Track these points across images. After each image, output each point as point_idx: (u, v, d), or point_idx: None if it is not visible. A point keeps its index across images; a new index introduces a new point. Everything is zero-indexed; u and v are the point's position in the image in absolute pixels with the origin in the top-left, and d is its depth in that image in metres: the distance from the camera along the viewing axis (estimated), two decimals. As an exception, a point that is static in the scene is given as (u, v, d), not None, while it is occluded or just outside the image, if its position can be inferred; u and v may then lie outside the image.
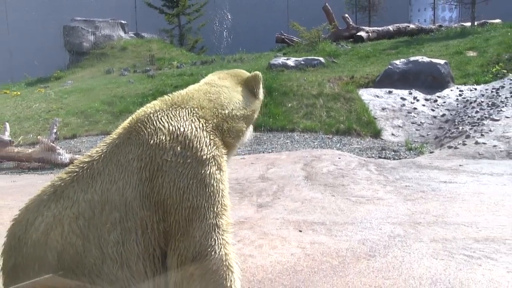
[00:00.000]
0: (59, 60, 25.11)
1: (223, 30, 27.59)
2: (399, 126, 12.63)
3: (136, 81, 17.41)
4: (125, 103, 14.81)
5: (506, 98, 12.41)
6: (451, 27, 23.61)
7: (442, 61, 14.97)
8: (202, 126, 2.89)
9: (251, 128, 3.48)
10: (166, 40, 27.93)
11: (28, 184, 8.88)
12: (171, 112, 2.90)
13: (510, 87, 13.19)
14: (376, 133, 12.26)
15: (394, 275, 4.16)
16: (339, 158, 9.34)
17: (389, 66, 15.11)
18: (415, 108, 13.32)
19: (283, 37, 24.02)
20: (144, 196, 2.62)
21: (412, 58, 15.28)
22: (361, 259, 4.56)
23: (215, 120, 3.00)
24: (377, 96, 13.99)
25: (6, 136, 11.04)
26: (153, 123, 2.80)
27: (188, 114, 2.92)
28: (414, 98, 13.81)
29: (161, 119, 2.83)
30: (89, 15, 26.28)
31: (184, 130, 2.78)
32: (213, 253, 2.63)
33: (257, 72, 3.43)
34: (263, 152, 10.66)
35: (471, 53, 17.27)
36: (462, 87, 14.36)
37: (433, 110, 13.25)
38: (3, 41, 32.45)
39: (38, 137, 10.67)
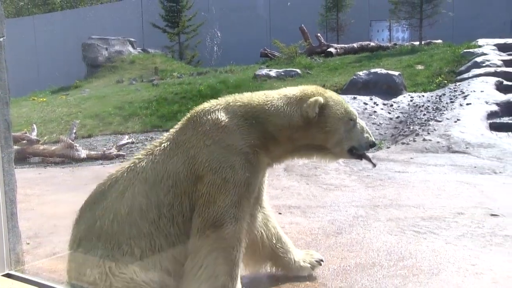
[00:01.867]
0: (78, 71, 25.25)
1: (214, 46, 27.77)
2: (362, 126, 12.66)
3: (142, 89, 17.40)
4: (133, 107, 14.84)
5: (446, 103, 12.51)
6: (403, 45, 23.66)
7: (396, 73, 15.03)
8: (243, 123, 2.86)
9: (336, 149, 3.06)
10: (168, 54, 27.94)
11: (51, 176, 8.87)
12: (222, 109, 2.91)
13: (450, 95, 13.29)
14: (343, 131, 12.26)
15: (357, 249, 4.22)
16: (313, 152, 9.39)
17: (354, 77, 15.13)
18: (375, 111, 13.37)
19: (266, 52, 24.01)
20: (188, 170, 2.74)
21: (372, 70, 15.32)
22: (330, 236, 4.62)
23: (255, 122, 2.90)
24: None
25: (34, 136, 11.10)
26: (205, 115, 2.88)
27: (234, 110, 2.91)
28: (374, 103, 13.85)
29: (212, 112, 2.89)
30: (104, 34, 26.34)
31: (224, 124, 2.82)
32: (229, 224, 2.71)
33: (319, 98, 2.91)
34: (252, 148, 10.65)
35: (420, 67, 17.35)
36: (413, 94, 14.42)
37: (389, 113, 13.30)
38: (32, 55, 32.51)
39: (60, 136, 10.71)
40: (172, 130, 3.02)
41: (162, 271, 2.68)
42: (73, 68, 26.30)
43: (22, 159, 10.45)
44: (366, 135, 3.11)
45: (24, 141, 10.75)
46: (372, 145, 3.14)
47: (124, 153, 10.56)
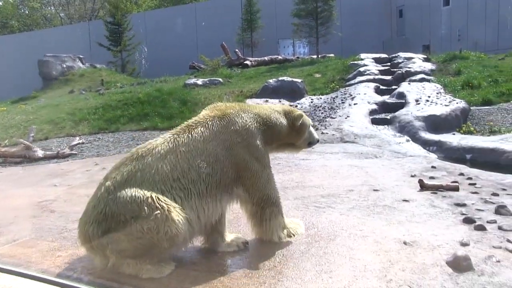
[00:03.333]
0: (35, 84, 24.27)
1: (142, 60, 29.77)
2: (273, 123, 12.79)
3: (90, 98, 16.76)
4: (83, 113, 14.30)
5: (338, 103, 12.89)
6: (304, 58, 24.11)
7: (299, 80, 15.32)
8: (259, 126, 3.42)
9: (294, 150, 4.00)
10: (112, 68, 27.28)
11: (11, 174, 8.41)
12: (245, 111, 3.42)
13: (341, 97, 13.70)
14: (259, 128, 12.34)
15: (271, 222, 4.21)
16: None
17: (266, 83, 15.25)
18: (283, 111, 13.54)
19: (194, 65, 23.70)
20: (226, 155, 3.18)
21: (280, 78, 15.50)
22: (250, 213, 4.60)
23: (264, 126, 3.46)
24: (258, 104, 14.10)
25: (-5, 140, 10.52)
26: (235, 117, 3.31)
27: (253, 117, 3.42)
28: (282, 104, 14.02)
29: (238, 113, 3.36)
30: (57, 52, 25.36)
31: (249, 126, 3.33)
32: (271, 195, 3.44)
33: (300, 113, 3.76)
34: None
35: (317, 75, 17.75)
36: (313, 97, 14.74)
37: (294, 112, 13.53)
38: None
39: (19, 139, 10.18)
40: (200, 117, 3.30)
41: (193, 216, 3.00)
42: (30, 81, 25.61)
43: (-14, 160, 9.86)
44: (315, 134, 3.96)
45: (-14, 145, 10.13)
46: (318, 140, 4.06)
47: (76, 152, 10.19)
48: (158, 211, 2.77)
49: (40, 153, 9.97)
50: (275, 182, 3.56)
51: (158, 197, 2.83)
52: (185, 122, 3.32)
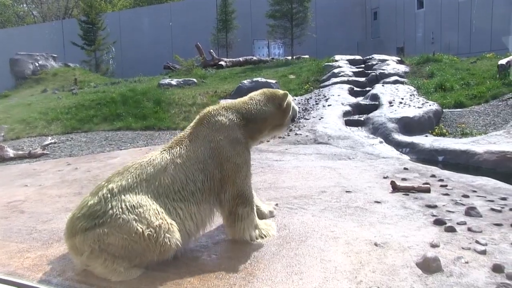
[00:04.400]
0: (7, 83, 23.45)
1: (110, 60, 29.52)
2: (247, 124, 12.77)
3: (63, 97, 16.35)
4: (55, 113, 13.92)
5: (312, 105, 12.96)
6: (279, 59, 24.26)
7: (273, 81, 15.36)
8: (239, 122, 3.51)
9: (279, 130, 4.08)
10: (86, 68, 26.80)
11: (-19, 174, 8.10)
12: (224, 111, 3.52)
13: (315, 98, 13.77)
14: (232, 129, 12.30)
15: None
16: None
17: (240, 84, 15.22)
18: (257, 112, 13.53)
19: (168, 65, 23.50)
20: (212, 158, 3.32)
21: (254, 79, 15.51)
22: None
23: (245, 121, 3.56)
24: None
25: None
26: (214, 117, 3.46)
27: (233, 113, 3.53)
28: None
29: (217, 113, 3.49)
30: (29, 50, 24.62)
31: (230, 124, 3.45)
32: (246, 193, 3.50)
33: (285, 92, 3.86)
34: (155, 145, 10.32)
35: (292, 76, 17.82)
36: (287, 98, 14.77)
37: (268, 113, 13.54)
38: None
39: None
40: (189, 128, 3.51)
41: (192, 225, 3.19)
42: (2, 80, 24.60)
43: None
44: (296, 106, 4.07)
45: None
46: (298, 111, 4.22)
47: (48, 152, 9.97)
48: (162, 221, 2.93)
49: (11, 153, 9.71)
50: (251, 182, 3.69)
51: (162, 212, 3.00)
52: (179, 134, 3.56)
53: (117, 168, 7.43)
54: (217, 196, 3.39)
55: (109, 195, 2.95)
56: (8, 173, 7.96)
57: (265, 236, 3.69)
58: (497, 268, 2.89)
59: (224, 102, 3.75)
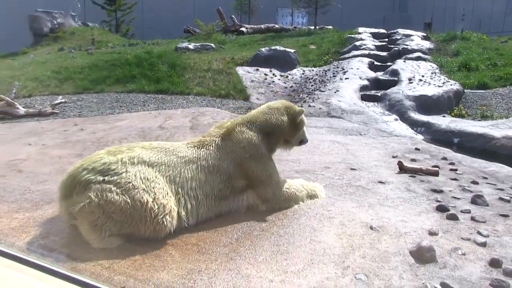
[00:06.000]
0: (26, 40, 23.26)
1: (140, 23, 28.77)
2: (262, 93, 12.56)
3: (78, 57, 16.23)
4: (68, 72, 13.82)
5: (330, 77, 12.64)
6: (302, 29, 23.70)
7: (292, 50, 15.00)
8: (262, 137, 3.63)
9: (286, 146, 4.12)
10: (105, 28, 26.59)
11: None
12: (247, 126, 3.62)
13: (333, 70, 13.45)
14: (246, 98, 12.12)
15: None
16: (217, 114, 9.13)
17: (257, 52, 14.92)
18: (273, 81, 13.30)
19: (189, 29, 23.21)
20: (237, 172, 3.43)
21: (273, 47, 15.18)
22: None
23: (267, 132, 3.69)
24: (249, 72, 13.81)
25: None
26: (240, 133, 3.54)
27: (256, 128, 3.63)
28: (273, 74, 13.77)
29: (243, 130, 3.57)
30: (49, 8, 24.36)
31: (254, 140, 3.55)
32: (281, 197, 3.69)
33: (302, 109, 3.96)
34: (165, 109, 10.19)
35: (312, 46, 17.42)
36: (305, 68, 14.48)
37: (285, 83, 13.28)
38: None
39: (1, 96, 9.86)
40: (215, 134, 3.57)
41: (192, 221, 3.18)
42: (21, 36, 24.44)
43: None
44: (307, 134, 4.19)
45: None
46: (307, 140, 4.25)
47: (58, 111, 9.94)
48: (168, 203, 2.95)
49: (22, 110, 9.72)
50: (280, 181, 3.78)
51: (171, 196, 3.04)
52: (199, 137, 3.62)
53: (122, 131, 7.41)
54: (236, 205, 3.53)
55: (127, 161, 3.00)
56: (16, 130, 7.95)
57: (315, 197, 3.94)
58: (495, 263, 2.70)
59: (247, 116, 3.82)
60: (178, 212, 3.05)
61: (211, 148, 3.42)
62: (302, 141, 4.14)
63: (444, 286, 2.45)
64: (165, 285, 2.43)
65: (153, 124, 8.10)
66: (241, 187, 3.51)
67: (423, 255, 2.75)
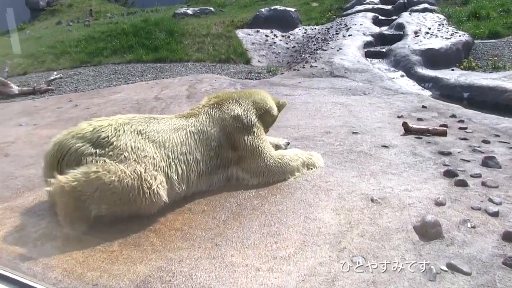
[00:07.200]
0: (24, 15, 22.63)
1: None
2: (263, 55, 12.11)
3: (74, 30, 15.82)
4: (64, 46, 13.45)
5: (332, 34, 12.10)
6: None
7: (293, 9, 14.40)
8: (256, 112, 3.63)
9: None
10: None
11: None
12: (242, 100, 3.62)
13: (336, 27, 12.88)
14: (247, 61, 11.69)
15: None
16: (215, 80, 8.75)
17: (257, 13, 14.33)
18: (274, 42, 12.81)
19: (189, -7, 22.50)
20: (228, 140, 3.37)
21: (273, 7, 14.58)
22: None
23: (259, 111, 3.69)
24: (249, 34, 13.29)
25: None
26: (232, 104, 3.53)
27: (248, 104, 3.62)
28: (274, 35, 13.25)
29: (235, 101, 3.57)
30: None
31: (246, 111, 3.54)
32: (273, 170, 3.46)
33: (285, 101, 4.23)
34: (163, 78, 9.82)
35: (314, 4, 16.74)
36: (307, 27, 13.92)
37: (286, 44, 12.79)
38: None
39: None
40: (203, 103, 3.57)
41: (183, 190, 3.09)
42: (17, 12, 23.75)
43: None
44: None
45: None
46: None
47: (53, 88, 9.62)
48: (158, 172, 2.88)
49: (15, 89, 9.42)
50: (273, 153, 3.59)
51: (161, 167, 2.94)
52: (188, 110, 3.60)
53: (117, 104, 7.12)
54: (225, 175, 3.43)
55: (118, 127, 2.93)
56: (8, 111, 7.68)
57: (313, 167, 3.71)
58: (509, 236, 2.42)
59: (240, 92, 3.88)
60: (169, 177, 2.96)
61: (200, 116, 3.38)
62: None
63: (450, 268, 2.17)
64: (141, 280, 2.19)
65: (149, 95, 7.78)
66: (231, 159, 3.42)
67: (427, 231, 2.47)
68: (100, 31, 14.36)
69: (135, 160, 2.77)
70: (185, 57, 11.93)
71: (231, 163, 3.42)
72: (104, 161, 2.68)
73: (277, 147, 4.09)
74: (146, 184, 2.72)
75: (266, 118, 3.81)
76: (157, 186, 2.78)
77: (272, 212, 2.90)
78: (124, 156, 2.75)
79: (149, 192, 2.73)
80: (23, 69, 12.02)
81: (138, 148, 2.85)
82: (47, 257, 2.44)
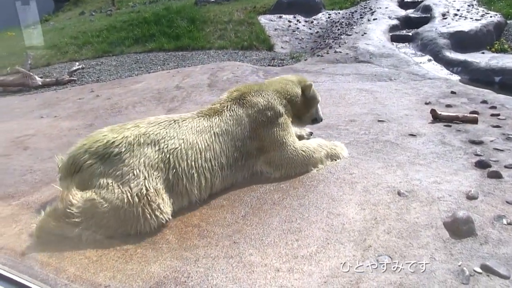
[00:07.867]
0: (48, 6, 22.74)
1: None
2: (286, 41, 11.88)
3: (96, 20, 15.80)
4: (86, 36, 13.43)
5: (357, 19, 11.78)
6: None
7: (316, -7, 14.06)
8: (280, 101, 3.46)
9: (306, 119, 3.92)
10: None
11: (5, 105, 7.89)
12: (263, 90, 3.45)
13: (360, 11, 12.54)
14: (270, 47, 11.48)
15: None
16: (238, 68, 8.60)
17: (280, -2, 14.08)
18: (297, 28, 12.54)
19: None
20: (251, 136, 3.21)
21: (295, -8, 14.28)
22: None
23: (285, 100, 3.52)
24: (271, 20, 13.05)
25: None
26: (254, 96, 3.36)
27: (272, 93, 3.46)
28: (297, 20, 12.99)
29: (258, 93, 3.40)
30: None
31: (271, 102, 3.38)
32: (298, 164, 3.32)
33: (311, 82, 3.81)
34: (185, 67, 9.73)
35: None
36: (330, 12, 13.60)
37: (310, 29, 12.52)
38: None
39: (17, 67, 9.64)
40: (220, 102, 3.36)
41: (205, 192, 2.94)
42: (41, 4, 23.96)
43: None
44: (321, 114, 4.03)
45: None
46: (322, 119, 4.05)
47: (76, 78, 9.65)
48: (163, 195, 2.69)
49: (38, 81, 9.49)
50: (297, 144, 3.44)
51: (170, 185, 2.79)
52: (209, 105, 3.41)
53: (138, 94, 7.07)
54: (250, 173, 3.29)
55: (133, 140, 2.77)
56: (30, 103, 7.72)
57: (337, 158, 3.56)
58: (550, 235, 2.23)
59: (261, 83, 3.71)
60: (188, 189, 2.82)
61: (224, 114, 3.21)
62: (315, 120, 4.00)
63: (485, 270, 2.01)
64: (155, 281, 2.10)
65: (170, 84, 7.70)
66: (255, 155, 3.27)
67: (459, 229, 2.30)
68: (122, 21, 14.33)
69: (145, 178, 2.61)
70: (207, 44, 11.80)
71: (255, 159, 3.28)
72: (108, 184, 2.55)
73: (299, 137, 3.89)
74: (148, 208, 2.56)
75: (292, 104, 3.59)
76: (162, 208, 2.62)
77: (294, 207, 2.78)
78: (134, 174, 2.60)
79: (150, 215, 2.56)
80: (46, 60, 12.10)
81: (151, 166, 2.69)
82: (60, 255, 2.38)
